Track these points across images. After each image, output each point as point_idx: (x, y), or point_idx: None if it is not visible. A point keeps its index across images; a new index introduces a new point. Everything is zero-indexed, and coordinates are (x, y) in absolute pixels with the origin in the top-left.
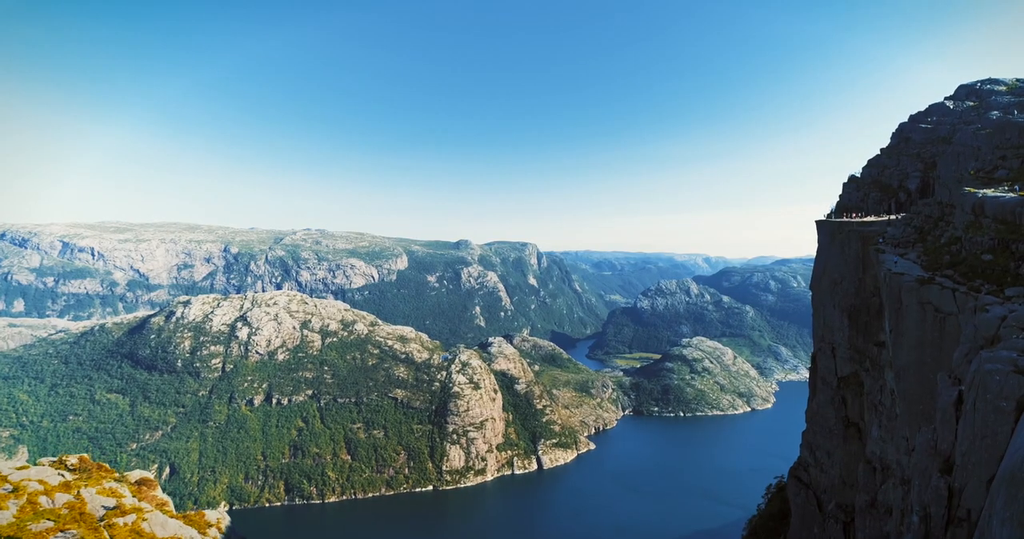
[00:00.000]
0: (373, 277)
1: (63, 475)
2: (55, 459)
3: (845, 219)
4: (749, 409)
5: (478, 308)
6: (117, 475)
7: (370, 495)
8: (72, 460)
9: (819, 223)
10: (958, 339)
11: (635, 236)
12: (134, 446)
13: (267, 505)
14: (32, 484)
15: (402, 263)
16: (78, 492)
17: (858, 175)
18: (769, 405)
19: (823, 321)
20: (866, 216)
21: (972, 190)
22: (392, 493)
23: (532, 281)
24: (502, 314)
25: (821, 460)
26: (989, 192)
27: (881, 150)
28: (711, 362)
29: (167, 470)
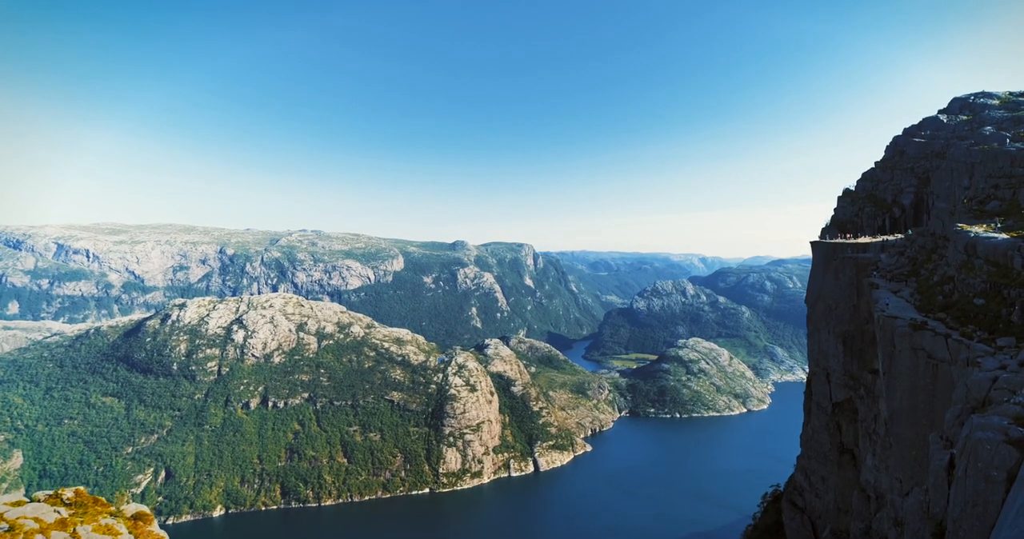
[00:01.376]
0: (369, 278)
1: (59, 512)
2: (51, 493)
3: (840, 240)
4: (745, 410)
5: (474, 309)
6: (113, 509)
7: (366, 498)
8: (68, 494)
9: (814, 244)
10: (951, 386)
11: (631, 236)
12: (129, 450)
13: (263, 508)
14: (28, 522)
15: (398, 264)
16: (74, 529)
17: (852, 188)
18: (765, 406)
19: (818, 346)
20: (861, 235)
21: (964, 227)
22: (388, 496)
23: (528, 282)
24: (498, 315)
25: (816, 485)
26: (981, 230)
27: (875, 163)
28: (707, 363)
29: (163, 474)
